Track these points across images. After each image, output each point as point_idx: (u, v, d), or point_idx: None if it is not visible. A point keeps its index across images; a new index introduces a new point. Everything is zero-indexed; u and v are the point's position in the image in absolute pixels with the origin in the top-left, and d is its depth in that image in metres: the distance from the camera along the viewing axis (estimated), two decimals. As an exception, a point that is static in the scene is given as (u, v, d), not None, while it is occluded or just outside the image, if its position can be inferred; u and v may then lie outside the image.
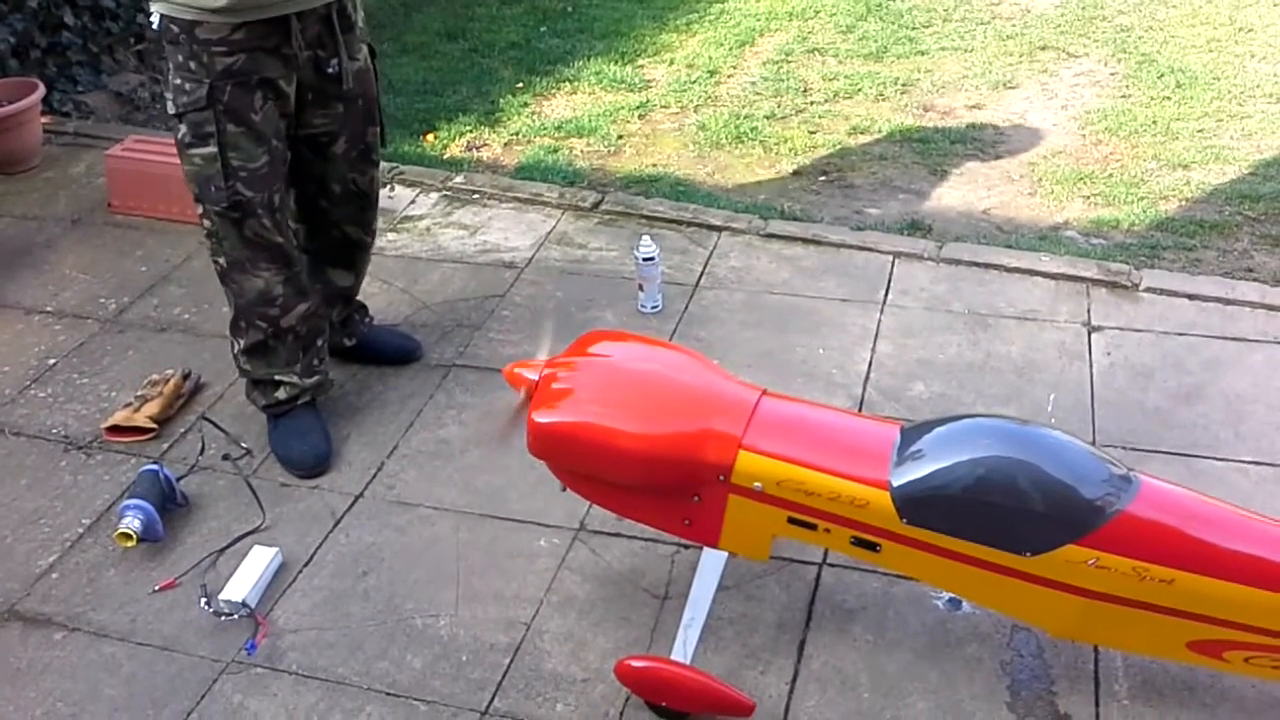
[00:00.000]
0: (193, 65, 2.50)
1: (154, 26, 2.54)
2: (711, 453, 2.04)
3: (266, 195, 2.61)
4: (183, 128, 2.56)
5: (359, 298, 3.11)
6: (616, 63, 5.15)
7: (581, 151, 4.44)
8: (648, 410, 2.09)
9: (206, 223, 2.66)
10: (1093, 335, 3.16)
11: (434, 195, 3.98)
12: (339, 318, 3.04)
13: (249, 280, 2.70)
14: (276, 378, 2.81)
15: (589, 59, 5.19)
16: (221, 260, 2.71)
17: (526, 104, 4.83)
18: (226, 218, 2.61)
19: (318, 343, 2.86)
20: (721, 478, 2.04)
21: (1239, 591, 1.86)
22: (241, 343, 2.80)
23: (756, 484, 2.03)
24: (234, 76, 2.50)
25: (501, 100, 4.84)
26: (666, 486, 2.11)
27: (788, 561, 2.47)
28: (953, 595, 2.31)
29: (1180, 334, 3.15)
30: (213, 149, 2.54)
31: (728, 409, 2.08)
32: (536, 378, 2.17)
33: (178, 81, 2.53)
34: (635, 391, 2.14)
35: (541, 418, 2.11)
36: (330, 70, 2.63)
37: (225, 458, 2.84)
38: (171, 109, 2.57)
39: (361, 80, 2.72)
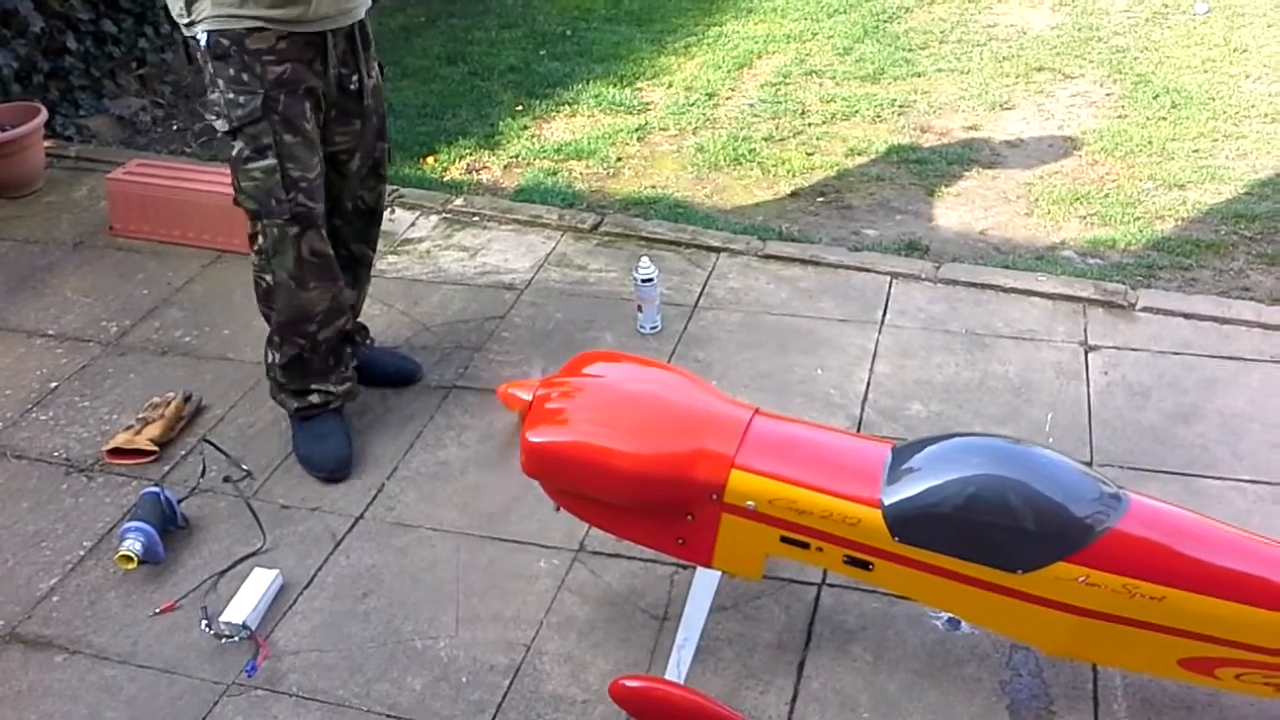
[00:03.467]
0: (245, 77, 2.52)
1: (202, 45, 2.53)
2: (704, 472, 2.05)
3: (322, 207, 2.66)
4: (238, 144, 2.57)
5: (360, 320, 3.13)
6: (615, 86, 5.18)
7: (580, 174, 4.46)
8: (641, 430, 2.10)
9: (261, 239, 2.68)
10: (1089, 355, 3.17)
11: (434, 218, 4.00)
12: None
13: (296, 298, 2.73)
14: (312, 386, 2.86)
15: (588, 82, 5.23)
16: (269, 278, 2.72)
17: (526, 127, 4.86)
18: (286, 232, 2.64)
19: (348, 350, 2.91)
20: (714, 497, 2.05)
21: (1229, 609, 1.87)
22: (277, 357, 2.84)
23: (749, 503, 2.04)
24: (285, 86, 2.54)
25: (501, 123, 4.87)
26: (660, 506, 2.12)
27: (787, 582, 2.47)
28: (951, 615, 2.31)
29: (1177, 353, 3.16)
30: (271, 161, 2.56)
31: (720, 428, 2.09)
32: (530, 398, 2.18)
33: (230, 96, 2.54)
34: (628, 411, 2.15)
35: (535, 437, 2.12)
36: (352, 87, 2.68)
37: (226, 480, 2.85)
38: (224, 126, 2.57)
39: (376, 97, 2.78)
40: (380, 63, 2.82)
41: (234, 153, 2.59)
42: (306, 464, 2.85)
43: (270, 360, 2.87)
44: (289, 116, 2.56)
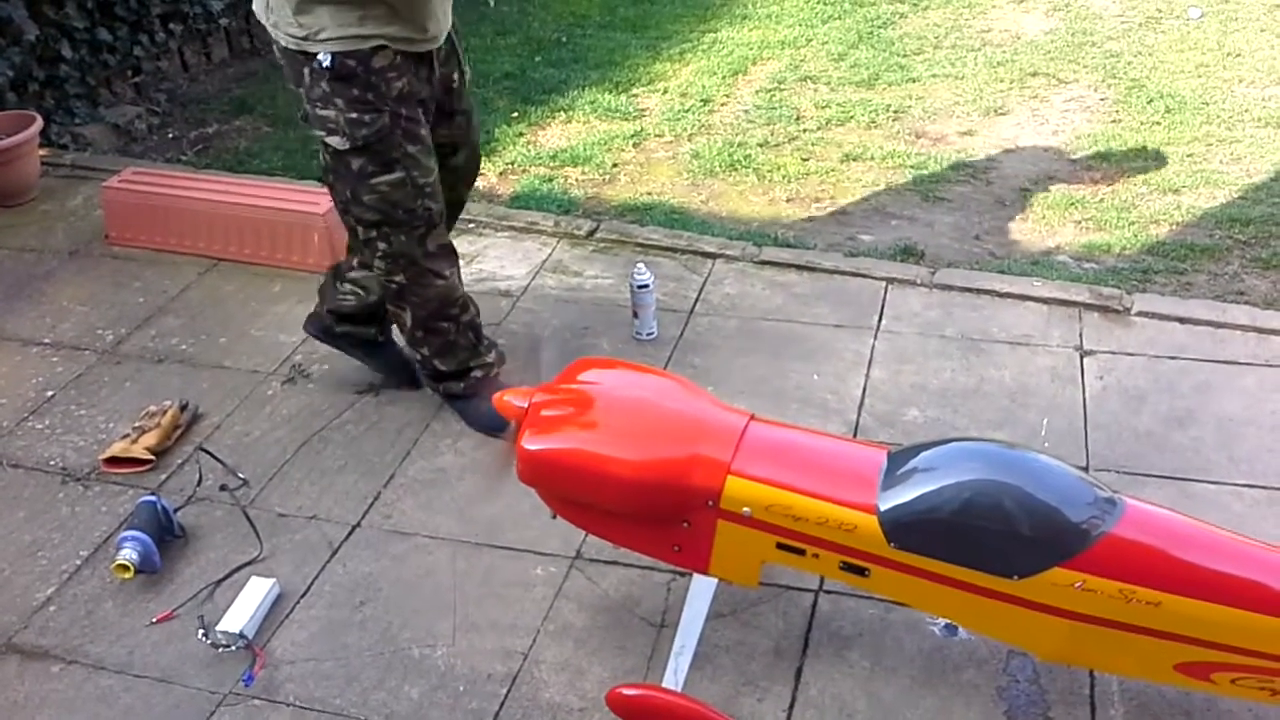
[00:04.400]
0: (370, 96, 2.54)
1: (325, 65, 2.50)
2: (700, 478, 2.05)
3: (444, 204, 2.76)
4: (360, 160, 2.60)
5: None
6: (611, 92, 5.19)
7: (576, 180, 4.47)
8: (637, 437, 2.11)
9: (384, 245, 2.71)
10: (1085, 359, 3.17)
11: (430, 225, 4.00)
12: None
13: (432, 288, 2.80)
14: (470, 364, 2.94)
15: (583, 89, 5.23)
16: (400, 278, 2.78)
17: (521, 134, 4.86)
18: (413, 235, 2.70)
19: (479, 320, 2.98)
20: (710, 503, 2.06)
21: (1225, 613, 1.87)
22: (427, 350, 2.91)
23: (745, 509, 2.04)
24: (405, 100, 2.59)
25: (497, 130, 4.87)
26: (656, 512, 2.12)
27: (784, 589, 2.47)
28: (948, 621, 2.31)
29: (1172, 357, 3.17)
30: (400, 174, 2.62)
31: (716, 435, 2.10)
32: (526, 405, 2.19)
33: (353, 116, 2.55)
34: (624, 418, 2.15)
35: (531, 445, 2.13)
36: (454, 85, 2.77)
37: (223, 488, 2.84)
38: (343, 144, 2.57)
39: (468, 96, 2.88)
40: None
41: (353, 168, 2.61)
42: (487, 429, 2.91)
43: (421, 356, 2.93)
44: (410, 128, 2.62)
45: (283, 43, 2.56)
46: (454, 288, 2.84)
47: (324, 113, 2.56)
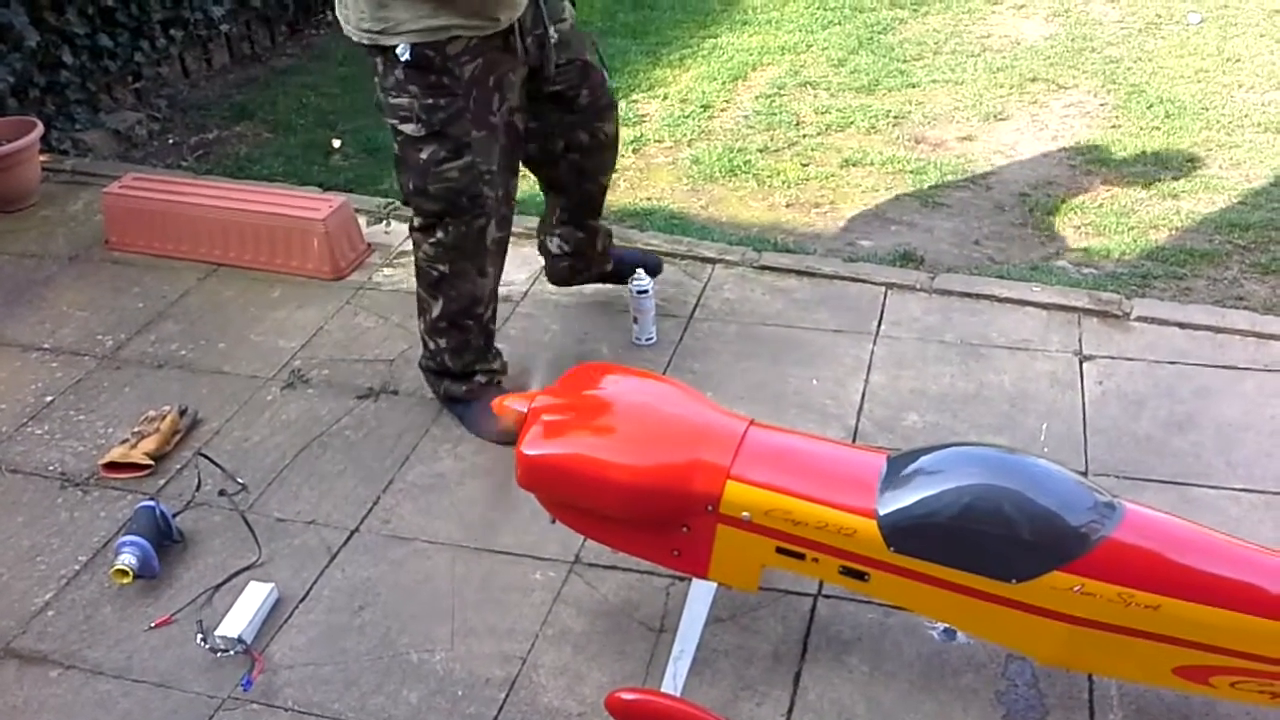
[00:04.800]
0: (446, 81, 2.59)
1: (403, 57, 2.55)
2: (699, 483, 2.05)
3: (503, 190, 2.78)
4: (433, 146, 2.64)
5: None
6: (611, 97, 5.18)
7: (576, 186, 4.46)
8: (636, 442, 2.11)
9: (442, 234, 2.76)
10: (1084, 364, 3.17)
11: (429, 230, 4.00)
12: (602, 249, 3.35)
13: (468, 285, 2.85)
14: (475, 368, 2.96)
15: (583, 94, 5.23)
16: (444, 267, 2.82)
17: (521, 139, 4.86)
18: (474, 225, 2.74)
19: (494, 327, 3.03)
20: (709, 508, 2.06)
21: (1224, 617, 1.87)
22: (443, 342, 2.94)
23: (744, 514, 2.04)
24: (478, 83, 2.62)
25: (497, 135, 4.87)
26: (655, 517, 2.12)
27: (783, 593, 2.47)
28: (948, 625, 2.31)
29: (1171, 362, 3.17)
30: (468, 159, 2.66)
31: (715, 439, 2.10)
32: (526, 410, 2.19)
33: (429, 101, 2.60)
34: (624, 423, 2.15)
35: (531, 450, 2.13)
36: (552, 39, 2.77)
37: (221, 494, 2.85)
38: (418, 130, 2.62)
39: (576, 36, 2.89)
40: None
41: (423, 156, 2.65)
42: (488, 437, 2.95)
43: (434, 347, 2.96)
44: (479, 113, 2.65)
45: (355, 38, 2.62)
46: (488, 287, 2.89)
47: (397, 100, 2.62)
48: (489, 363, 3.01)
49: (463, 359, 2.97)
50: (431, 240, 2.79)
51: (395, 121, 2.65)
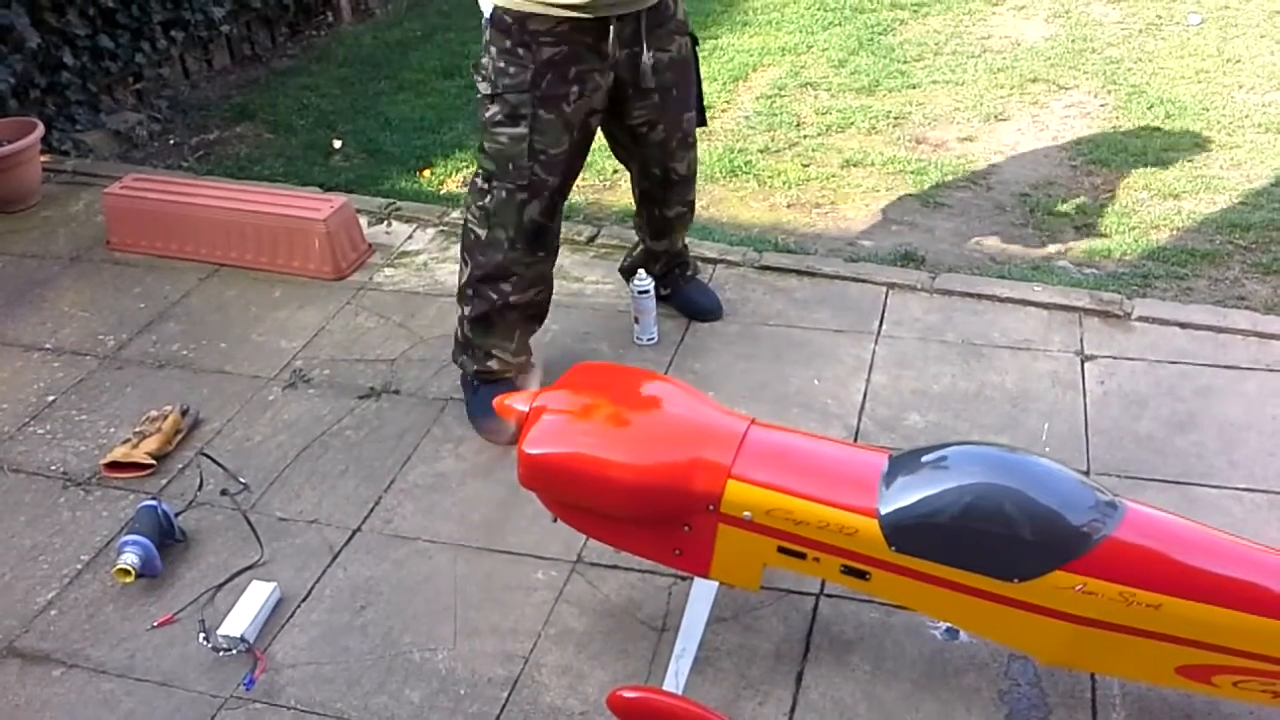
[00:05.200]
0: (520, 51, 2.66)
1: (486, 15, 2.70)
2: (701, 482, 2.05)
3: (557, 180, 2.80)
4: (495, 107, 2.73)
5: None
6: (611, 98, 5.18)
7: (577, 187, 4.44)
8: (637, 441, 2.11)
9: (487, 199, 2.81)
10: (1086, 364, 3.18)
11: (430, 230, 4.01)
12: (660, 271, 3.36)
13: (496, 255, 2.87)
14: (493, 350, 2.96)
15: (584, 95, 5.23)
16: (482, 232, 2.86)
17: (522, 139, 4.86)
18: (515, 197, 2.78)
19: (534, 326, 3.04)
20: (711, 507, 2.06)
21: (1226, 616, 1.87)
22: (468, 310, 2.96)
23: (746, 513, 2.04)
24: (554, 67, 2.67)
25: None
26: (657, 517, 2.12)
27: (785, 592, 2.47)
28: (950, 625, 2.31)
29: (1173, 362, 3.17)
30: (523, 130, 2.71)
31: (716, 439, 2.10)
32: (527, 409, 2.19)
33: (501, 65, 2.69)
34: (625, 422, 2.15)
35: (532, 449, 2.13)
36: (644, 64, 2.78)
37: (224, 493, 2.85)
38: (487, 89, 2.73)
39: (676, 70, 2.88)
40: (692, 35, 2.93)
41: (487, 114, 2.75)
42: (481, 429, 2.97)
43: (460, 314, 2.99)
44: (550, 95, 2.69)
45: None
46: (516, 264, 2.86)
47: (483, 60, 2.74)
48: (506, 351, 2.98)
49: (480, 334, 2.96)
50: (479, 203, 2.84)
51: (478, 78, 2.76)
